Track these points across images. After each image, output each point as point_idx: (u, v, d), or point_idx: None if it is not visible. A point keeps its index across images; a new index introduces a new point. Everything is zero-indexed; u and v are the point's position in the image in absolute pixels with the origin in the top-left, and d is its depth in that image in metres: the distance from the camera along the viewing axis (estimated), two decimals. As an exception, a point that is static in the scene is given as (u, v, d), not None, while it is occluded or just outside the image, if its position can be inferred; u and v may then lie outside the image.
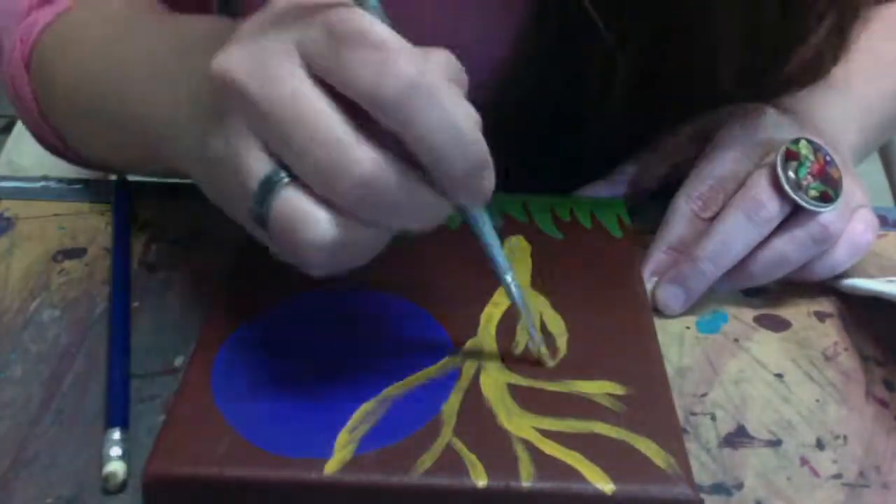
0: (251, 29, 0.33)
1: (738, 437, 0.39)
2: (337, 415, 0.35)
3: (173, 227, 0.50)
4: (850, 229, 0.46)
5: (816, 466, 0.38)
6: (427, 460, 0.33)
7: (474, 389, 0.37)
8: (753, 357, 0.43)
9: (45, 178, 0.54)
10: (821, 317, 0.46)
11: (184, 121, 0.37)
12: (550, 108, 0.54)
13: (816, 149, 0.46)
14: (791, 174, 0.44)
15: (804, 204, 0.44)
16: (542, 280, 0.43)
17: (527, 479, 0.33)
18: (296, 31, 0.31)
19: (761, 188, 0.45)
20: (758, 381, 0.42)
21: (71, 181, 0.54)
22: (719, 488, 0.36)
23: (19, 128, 0.77)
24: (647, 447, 0.34)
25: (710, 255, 0.45)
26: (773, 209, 0.44)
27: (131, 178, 0.55)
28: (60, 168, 0.73)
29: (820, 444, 0.39)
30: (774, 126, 0.48)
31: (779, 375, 0.42)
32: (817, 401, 0.41)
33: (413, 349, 0.39)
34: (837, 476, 0.37)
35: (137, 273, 0.46)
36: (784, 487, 0.37)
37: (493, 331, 0.40)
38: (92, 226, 0.50)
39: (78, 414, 0.38)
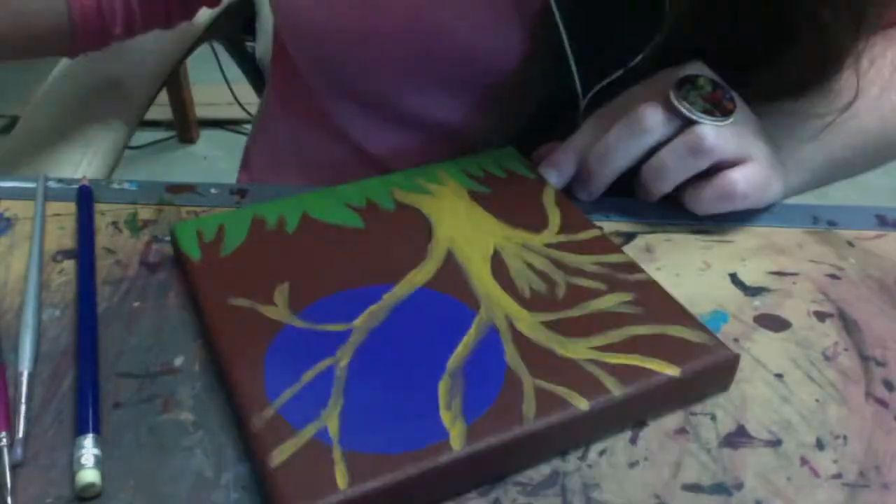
0: None
1: (738, 437, 0.39)
2: (422, 400, 0.37)
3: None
4: (726, 173, 0.49)
5: (816, 466, 0.38)
6: (531, 407, 0.36)
7: (519, 337, 0.40)
8: (753, 357, 0.43)
9: (45, 178, 0.54)
10: (821, 317, 0.46)
11: None
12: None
13: (717, 85, 0.49)
14: (681, 91, 0.48)
15: (684, 111, 0.48)
16: (510, 234, 0.47)
17: (616, 390, 0.37)
18: None
19: (647, 104, 0.49)
20: (758, 381, 0.42)
21: (71, 181, 0.54)
22: (719, 488, 0.36)
23: (19, 128, 0.77)
24: (681, 331, 0.40)
25: (596, 157, 0.51)
26: (652, 119, 0.48)
27: (133, 178, 0.55)
28: (60, 168, 0.73)
29: (820, 444, 0.39)
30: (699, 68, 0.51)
31: (779, 375, 0.42)
32: (817, 401, 0.41)
33: (442, 323, 0.41)
34: (837, 476, 0.37)
35: (137, 273, 0.46)
36: (784, 487, 0.37)
37: (494, 284, 0.43)
38: (92, 226, 0.50)
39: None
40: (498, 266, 0.44)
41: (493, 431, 0.35)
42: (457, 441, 0.35)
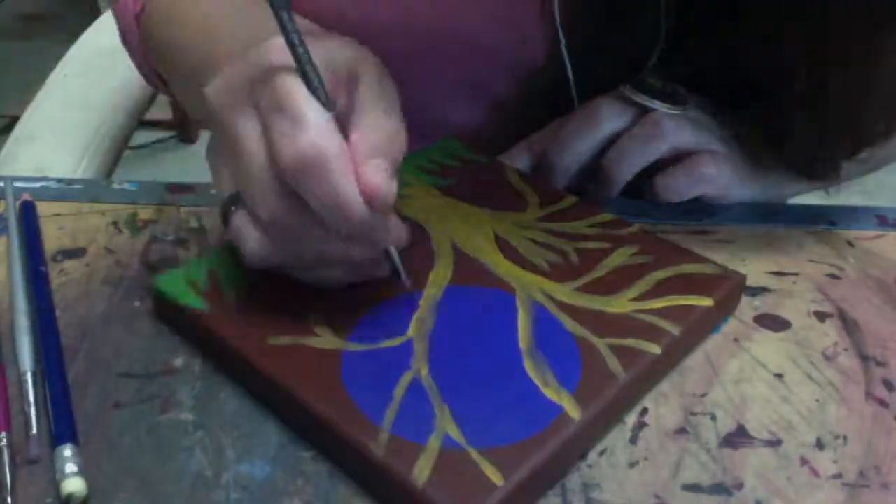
0: (236, 68, 0.39)
1: (738, 437, 0.39)
2: (519, 385, 0.38)
3: (173, 227, 0.50)
4: (695, 157, 0.50)
5: (816, 466, 0.38)
6: (615, 363, 0.39)
7: (565, 306, 0.42)
8: (753, 357, 0.43)
9: (45, 178, 0.54)
10: (821, 317, 0.46)
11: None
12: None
13: (668, 84, 0.51)
14: (632, 84, 0.50)
15: (638, 100, 0.49)
16: (500, 217, 0.48)
17: (674, 329, 0.40)
18: (257, 86, 0.38)
19: (602, 98, 0.50)
20: (758, 381, 0.42)
21: (71, 181, 0.54)
22: (719, 488, 0.36)
23: (19, 128, 0.77)
24: (693, 268, 0.44)
25: (553, 149, 0.51)
26: (607, 110, 0.50)
27: (133, 178, 0.55)
28: (60, 168, 0.73)
29: (820, 444, 0.39)
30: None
31: (779, 375, 0.42)
32: (817, 401, 0.41)
33: (489, 312, 0.42)
34: (837, 476, 0.37)
35: (138, 273, 0.46)
36: (784, 487, 0.37)
37: (512, 265, 0.44)
38: (92, 226, 0.50)
39: (78, 414, 0.38)
40: (506, 249, 0.45)
41: (597, 394, 0.37)
42: (573, 411, 0.36)
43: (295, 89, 0.37)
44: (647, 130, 0.49)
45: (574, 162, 0.52)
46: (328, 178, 0.35)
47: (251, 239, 0.39)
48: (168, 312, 0.43)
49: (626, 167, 0.50)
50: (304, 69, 0.37)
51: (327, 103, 0.37)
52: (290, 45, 0.37)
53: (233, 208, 0.39)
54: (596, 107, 0.51)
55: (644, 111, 0.50)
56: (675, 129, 0.49)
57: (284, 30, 0.37)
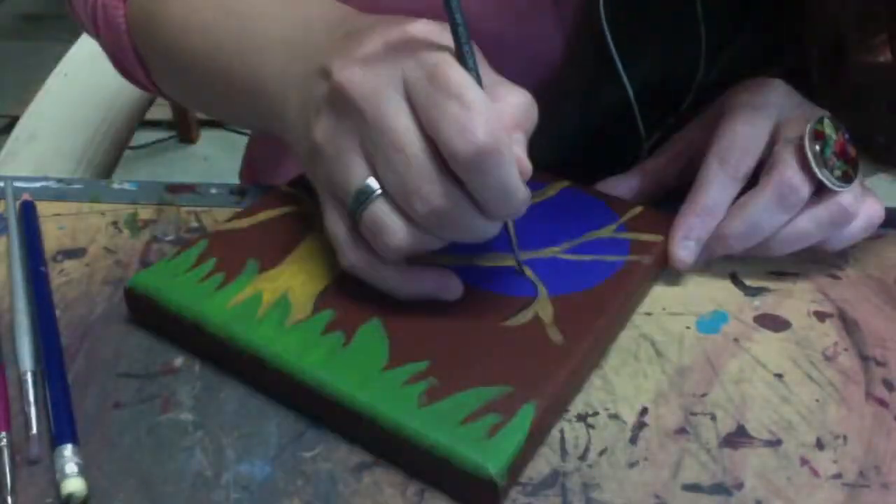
0: (373, 49, 0.38)
1: (738, 437, 0.39)
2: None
3: (173, 227, 0.50)
4: (866, 206, 0.47)
5: (816, 466, 0.38)
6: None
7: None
8: (753, 357, 0.43)
9: (45, 178, 0.54)
10: (821, 317, 0.46)
11: (294, 100, 0.42)
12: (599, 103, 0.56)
13: (837, 127, 0.47)
14: (818, 149, 0.45)
15: (829, 184, 0.45)
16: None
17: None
18: (406, 66, 0.37)
19: (793, 170, 0.45)
20: (758, 381, 0.42)
21: (71, 181, 0.54)
22: (719, 488, 0.36)
23: (19, 128, 0.77)
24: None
25: (739, 235, 0.46)
26: (804, 193, 0.45)
27: (133, 178, 0.55)
28: (60, 168, 0.73)
29: (820, 444, 0.39)
30: (785, 94, 0.49)
31: (779, 375, 0.42)
32: (817, 401, 0.41)
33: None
34: (837, 476, 0.37)
35: (137, 273, 0.46)
36: (784, 487, 0.37)
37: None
38: (92, 226, 0.50)
39: (78, 414, 0.38)
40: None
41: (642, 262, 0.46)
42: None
43: (459, 70, 0.35)
44: (836, 217, 0.46)
45: (756, 239, 0.47)
46: (503, 167, 0.35)
47: (398, 230, 0.38)
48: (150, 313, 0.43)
49: (804, 245, 0.47)
50: (463, 50, 0.36)
51: (481, 85, 0.36)
52: (454, 24, 0.36)
53: (365, 201, 0.38)
54: (793, 190, 0.45)
55: (821, 185, 0.46)
56: (856, 204, 0.46)
57: (450, 7, 0.36)
